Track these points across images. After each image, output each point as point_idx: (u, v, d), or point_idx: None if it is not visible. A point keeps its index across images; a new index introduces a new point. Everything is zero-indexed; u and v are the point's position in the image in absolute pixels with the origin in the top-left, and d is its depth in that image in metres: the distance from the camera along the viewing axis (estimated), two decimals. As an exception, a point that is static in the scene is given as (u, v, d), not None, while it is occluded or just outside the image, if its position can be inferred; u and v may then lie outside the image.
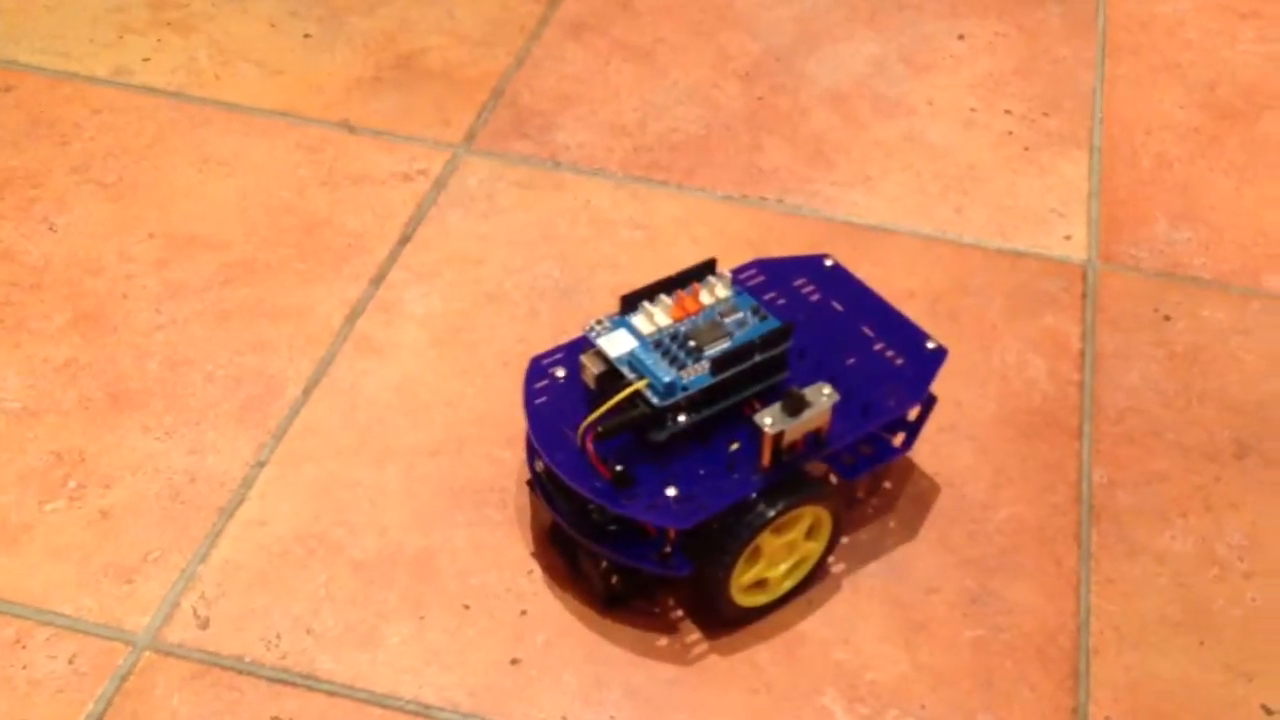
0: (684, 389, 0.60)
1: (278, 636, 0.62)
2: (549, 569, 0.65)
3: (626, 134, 0.89)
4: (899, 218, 0.84)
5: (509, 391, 0.72)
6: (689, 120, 0.91)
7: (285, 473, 0.69)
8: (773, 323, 0.62)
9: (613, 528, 0.60)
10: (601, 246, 0.82)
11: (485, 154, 0.88)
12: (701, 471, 0.60)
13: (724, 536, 0.59)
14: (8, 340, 0.75)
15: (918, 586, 0.65)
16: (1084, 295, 0.80)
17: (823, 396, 0.59)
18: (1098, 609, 0.65)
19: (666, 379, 0.59)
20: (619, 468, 0.59)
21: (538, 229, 0.83)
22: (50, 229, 0.81)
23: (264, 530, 0.67)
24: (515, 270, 0.80)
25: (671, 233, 0.83)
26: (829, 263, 0.70)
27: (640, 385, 0.59)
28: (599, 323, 0.62)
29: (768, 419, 0.59)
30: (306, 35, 0.96)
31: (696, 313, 0.63)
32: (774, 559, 0.62)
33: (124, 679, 0.61)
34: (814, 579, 0.65)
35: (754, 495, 0.59)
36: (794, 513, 0.60)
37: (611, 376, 0.61)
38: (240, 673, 0.61)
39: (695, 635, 0.63)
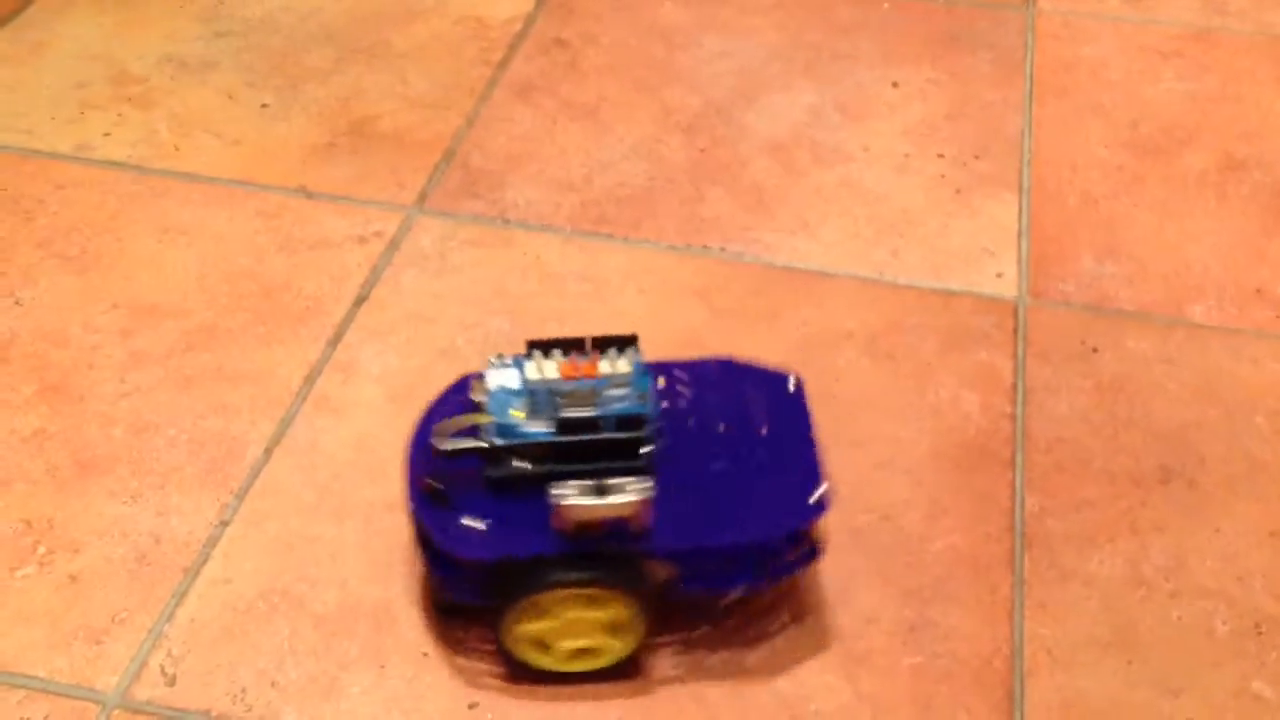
0: (520, 436, 0.61)
1: (243, 690, 0.65)
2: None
3: (573, 190, 0.93)
4: (837, 262, 0.88)
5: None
6: (634, 174, 0.94)
7: (248, 531, 0.72)
8: (636, 408, 0.61)
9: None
10: (550, 300, 0.85)
11: (437, 214, 0.91)
12: (515, 518, 0.61)
13: (510, 581, 0.61)
14: (-23, 412, 0.78)
15: (858, 617, 0.68)
16: (1015, 331, 0.83)
17: (629, 489, 0.59)
18: (1031, 633, 0.68)
19: (506, 422, 0.61)
20: (438, 485, 0.61)
21: (489, 285, 0.86)
22: (16, 303, 0.84)
23: (228, 588, 0.69)
24: (468, 326, 0.83)
25: (618, 284, 0.86)
26: (792, 383, 0.68)
27: (483, 420, 0.61)
28: (499, 357, 0.64)
29: (564, 490, 0.59)
30: (264, 105, 0.99)
31: (590, 377, 0.62)
32: (563, 628, 0.63)
33: (95, 737, 0.63)
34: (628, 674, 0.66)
35: (547, 554, 0.60)
36: (589, 589, 0.61)
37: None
38: (207, 727, 0.64)
39: (645, 673, 0.66)
